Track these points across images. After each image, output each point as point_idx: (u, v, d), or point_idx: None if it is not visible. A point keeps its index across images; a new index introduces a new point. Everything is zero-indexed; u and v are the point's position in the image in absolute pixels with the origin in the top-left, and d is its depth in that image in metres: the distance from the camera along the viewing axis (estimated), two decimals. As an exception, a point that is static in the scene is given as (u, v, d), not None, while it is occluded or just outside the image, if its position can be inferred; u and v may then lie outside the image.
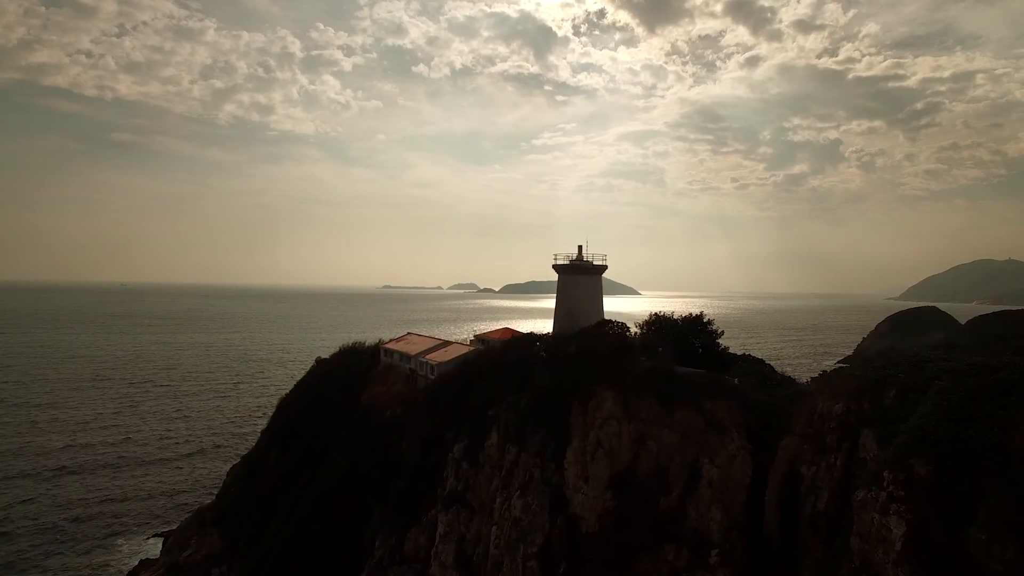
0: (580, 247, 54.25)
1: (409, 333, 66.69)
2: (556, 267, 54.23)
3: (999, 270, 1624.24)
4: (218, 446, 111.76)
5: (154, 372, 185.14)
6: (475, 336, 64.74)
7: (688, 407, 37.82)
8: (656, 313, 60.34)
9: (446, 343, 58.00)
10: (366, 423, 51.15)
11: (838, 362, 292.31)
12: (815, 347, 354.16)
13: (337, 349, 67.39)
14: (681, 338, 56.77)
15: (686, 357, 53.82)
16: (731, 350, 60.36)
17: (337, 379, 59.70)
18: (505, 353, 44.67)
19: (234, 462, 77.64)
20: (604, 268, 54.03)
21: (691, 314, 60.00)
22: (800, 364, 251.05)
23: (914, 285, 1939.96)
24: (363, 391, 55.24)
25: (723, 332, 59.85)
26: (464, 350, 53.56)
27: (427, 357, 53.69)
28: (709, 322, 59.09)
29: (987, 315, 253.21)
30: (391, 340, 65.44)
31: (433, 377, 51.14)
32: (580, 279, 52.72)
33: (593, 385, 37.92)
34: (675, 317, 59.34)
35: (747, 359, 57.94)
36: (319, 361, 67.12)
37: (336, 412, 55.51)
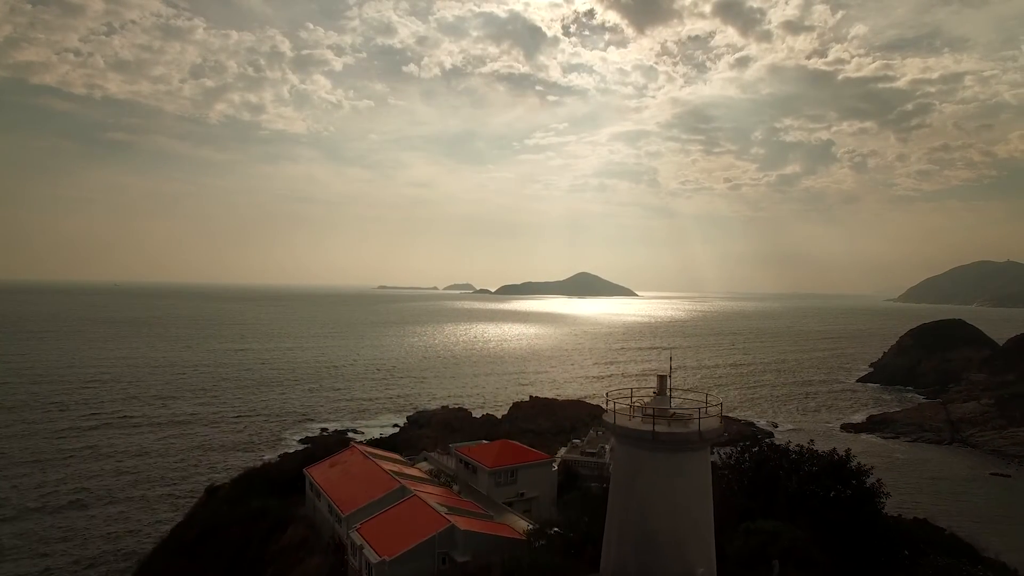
0: (663, 379, 25.75)
1: (354, 445, 42.66)
2: (615, 430, 25.95)
3: (998, 272, 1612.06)
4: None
5: (114, 400, 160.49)
6: (455, 450, 42.24)
7: None
8: (758, 439, 36.71)
9: (403, 490, 34.44)
10: None
11: (858, 379, 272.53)
12: (831, 357, 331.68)
13: (242, 471, 44.26)
14: (803, 482, 34.17)
15: (810, 517, 31.58)
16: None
17: (224, 544, 36.59)
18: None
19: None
20: (719, 435, 25.20)
21: (815, 449, 36.52)
22: (822, 382, 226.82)
23: (913, 286, 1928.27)
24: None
25: (880, 486, 36.03)
26: (430, 526, 30.35)
27: (365, 533, 30.71)
28: (860, 469, 35.80)
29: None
30: (325, 462, 41.73)
31: (371, 580, 28.61)
32: (669, 462, 24.23)
33: None
34: (789, 449, 36.41)
35: (928, 534, 34.54)
36: (210, 494, 43.96)
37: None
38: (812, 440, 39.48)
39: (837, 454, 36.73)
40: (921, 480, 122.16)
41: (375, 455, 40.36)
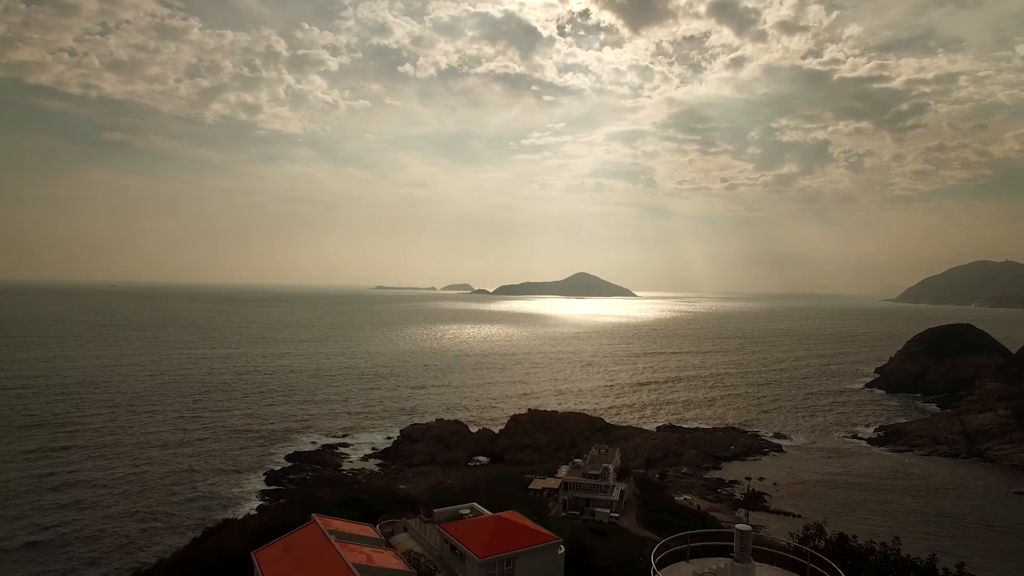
0: (744, 536, 18.24)
1: (315, 520, 34.49)
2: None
3: (996, 272, 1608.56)
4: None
5: (98, 414, 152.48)
6: (440, 528, 34.58)
7: None
8: (812, 531, 28.85)
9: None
10: None
11: (865, 385, 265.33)
12: (836, 361, 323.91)
13: (184, 544, 36.84)
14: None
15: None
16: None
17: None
18: None
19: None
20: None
21: (888, 545, 29.50)
22: (828, 390, 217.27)
23: (912, 287, 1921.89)
24: None
25: None
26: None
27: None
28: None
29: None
30: (278, 543, 33.79)
31: None
32: None
33: None
34: (854, 545, 29.04)
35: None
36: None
37: None
38: (899, 538, 32.35)
39: (920, 561, 29.68)
40: (941, 501, 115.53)
41: (340, 535, 32.75)
